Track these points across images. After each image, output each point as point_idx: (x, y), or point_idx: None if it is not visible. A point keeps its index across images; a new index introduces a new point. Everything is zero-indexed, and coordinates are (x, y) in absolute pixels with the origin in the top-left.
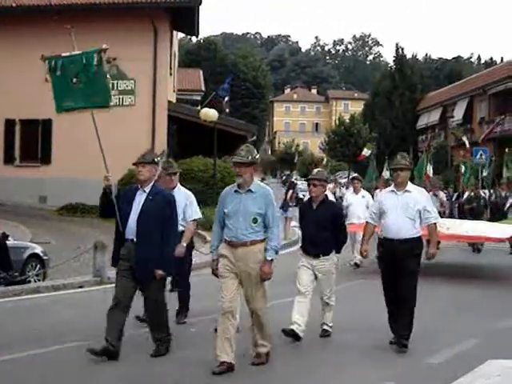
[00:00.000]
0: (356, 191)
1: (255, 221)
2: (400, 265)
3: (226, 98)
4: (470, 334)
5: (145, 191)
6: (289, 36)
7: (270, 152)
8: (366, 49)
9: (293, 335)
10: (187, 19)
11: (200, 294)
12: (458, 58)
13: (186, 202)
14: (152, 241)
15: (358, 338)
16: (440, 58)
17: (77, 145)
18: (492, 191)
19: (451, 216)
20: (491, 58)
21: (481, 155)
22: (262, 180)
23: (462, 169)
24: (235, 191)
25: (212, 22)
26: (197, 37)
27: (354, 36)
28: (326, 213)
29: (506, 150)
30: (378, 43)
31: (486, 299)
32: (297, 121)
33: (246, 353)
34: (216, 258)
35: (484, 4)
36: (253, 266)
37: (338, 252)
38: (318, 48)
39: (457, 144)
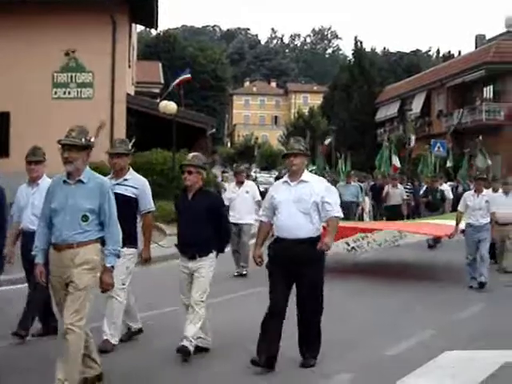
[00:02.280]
0: None
1: (85, 219)
2: (296, 272)
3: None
4: (425, 326)
5: None
6: (248, 29)
7: (229, 145)
8: (325, 42)
9: (201, 349)
10: (146, 12)
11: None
12: (416, 52)
13: None
14: None
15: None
16: (398, 52)
17: (35, 138)
18: (460, 183)
19: (417, 210)
20: (449, 52)
21: (438, 148)
22: (223, 173)
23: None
24: (64, 182)
25: (171, 14)
26: (156, 29)
27: (313, 29)
28: (202, 204)
29: (480, 137)
30: (336, 36)
31: (440, 292)
32: (256, 114)
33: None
34: (40, 262)
35: None
36: (77, 272)
37: (221, 251)
38: (277, 41)
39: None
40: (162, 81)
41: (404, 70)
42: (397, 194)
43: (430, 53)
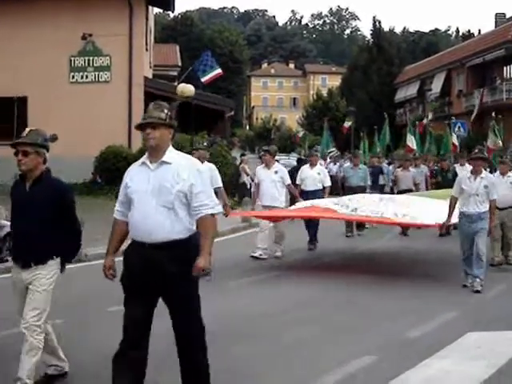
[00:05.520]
0: (267, 166)
1: None
2: (162, 289)
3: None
4: (448, 308)
5: None
6: (266, 10)
7: (248, 127)
8: (343, 22)
9: (57, 376)
10: None
11: None
12: (435, 31)
13: None
14: None
15: (336, 314)
16: (417, 31)
17: (52, 122)
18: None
19: None
20: (469, 31)
21: (459, 128)
22: (242, 155)
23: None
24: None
25: None
26: (173, 12)
27: (331, 9)
28: (44, 196)
29: (493, 113)
30: (355, 17)
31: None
32: (274, 95)
33: None
34: None
35: None
36: None
37: (67, 260)
38: (295, 22)
39: (434, 118)
40: (180, 63)
41: (423, 49)
42: (408, 177)
43: (449, 32)
